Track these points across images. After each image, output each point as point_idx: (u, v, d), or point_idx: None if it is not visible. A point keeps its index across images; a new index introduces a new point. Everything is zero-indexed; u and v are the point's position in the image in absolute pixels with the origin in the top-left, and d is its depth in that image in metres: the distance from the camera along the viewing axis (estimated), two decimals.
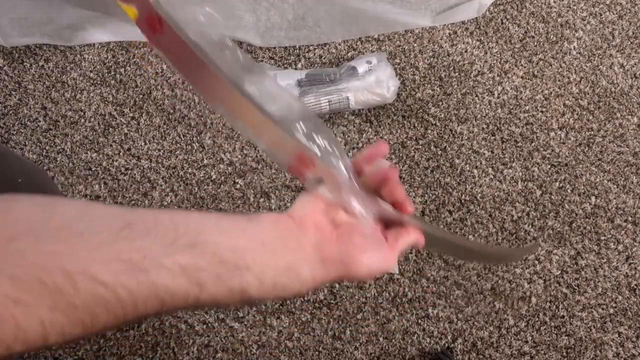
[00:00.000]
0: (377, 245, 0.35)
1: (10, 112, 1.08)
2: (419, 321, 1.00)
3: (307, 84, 1.00)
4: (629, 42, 1.08)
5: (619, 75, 1.07)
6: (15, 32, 1.04)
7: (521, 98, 1.06)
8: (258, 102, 0.33)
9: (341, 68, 1.02)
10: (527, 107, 1.06)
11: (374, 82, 0.99)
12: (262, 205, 1.04)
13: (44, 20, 1.02)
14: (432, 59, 1.08)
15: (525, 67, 1.07)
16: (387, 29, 1.08)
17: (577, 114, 1.06)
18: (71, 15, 1.02)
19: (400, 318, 1.00)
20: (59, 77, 1.09)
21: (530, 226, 1.02)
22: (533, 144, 1.05)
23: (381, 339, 0.99)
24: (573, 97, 1.06)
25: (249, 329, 0.99)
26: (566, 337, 0.99)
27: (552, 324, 0.99)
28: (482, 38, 1.09)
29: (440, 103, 1.06)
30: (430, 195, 1.03)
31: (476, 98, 1.06)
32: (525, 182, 1.03)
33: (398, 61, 1.08)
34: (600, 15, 1.09)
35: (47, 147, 1.07)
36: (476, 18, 1.09)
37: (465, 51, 1.08)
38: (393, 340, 0.99)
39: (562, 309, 1.00)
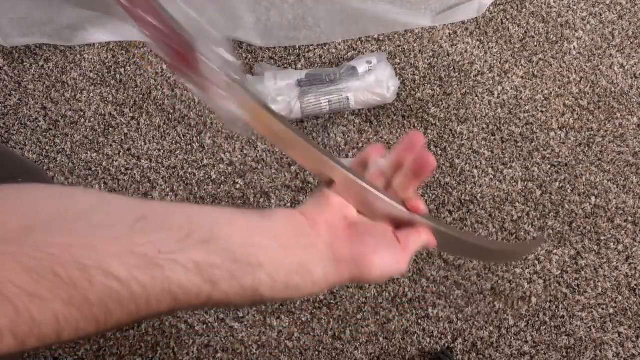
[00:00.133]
0: (390, 247, 0.34)
1: (10, 112, 1.08)
2: (419, 321, 1.00)
3: (307, 84, 1.00)
4: (629, 42, 1.08)
5: (619, 75, 1.07)
6: (15, 32, 1.04)
7: (521, 98, 1.06)
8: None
9: (341, 68, 1.02)
10: (527, 107, 1.06)
11: (374, 82, 0.99)
12: (262, 205, 1.04)
13: (44, 20, 1.02)
14: (432, 59, 1.08)
15: (525, 67, 1.07)
16: (387, 29, 1.08)
17: (577, 114, 1.06)
18: (71, 15, 1.02)
19: (400, 318, 1.00)
20: (59, 77, 1.09)
21: (530, 226, 1.02)
22: (533, 144, 1.05)
23: (381, 339, 0.99)
24: (573, 97, 1.06)
25: (249, 329, 0.99)
26: (566, 337, 0.99)
27: (552, 324, 0.99)
28: (482, 38, 1.09)
29: (440, 103, 1.06)
30: (430, 195, 1.03)
31: (476, 98, 1.06)
32: (525, 182, 1.03)
33: (398, 61, 1.08)
34: (600, 15, 1.09)
35: (47, 147, 1.07)
36: (476, 18, 1.09)
37: (465, 51, 1.08)
38: (393, 340, 0.99)
39: (562, 309, 1.00)
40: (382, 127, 1.05)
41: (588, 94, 1.06)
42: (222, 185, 1.05)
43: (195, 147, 1.06)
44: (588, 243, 1.02)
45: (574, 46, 1.08)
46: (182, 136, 1.06)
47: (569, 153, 1.04)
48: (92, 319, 0.24)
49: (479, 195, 1.03)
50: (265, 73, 1.01)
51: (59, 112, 1.08)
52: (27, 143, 1.07)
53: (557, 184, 1.03)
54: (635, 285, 1.00)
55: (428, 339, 0.99)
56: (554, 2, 1.10)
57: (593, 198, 1.03)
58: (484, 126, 1.05)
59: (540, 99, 1.06)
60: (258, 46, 1.08)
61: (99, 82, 1.09)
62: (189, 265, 0.27)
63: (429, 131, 1.05)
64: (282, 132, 0.33)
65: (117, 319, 0.25)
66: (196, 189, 1.05)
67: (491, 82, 1.07)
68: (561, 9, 1.09)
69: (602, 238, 1.02)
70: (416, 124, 1.06)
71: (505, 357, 0.99)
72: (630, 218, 1.02)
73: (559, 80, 1.07)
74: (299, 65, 1.08)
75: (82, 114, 1.08)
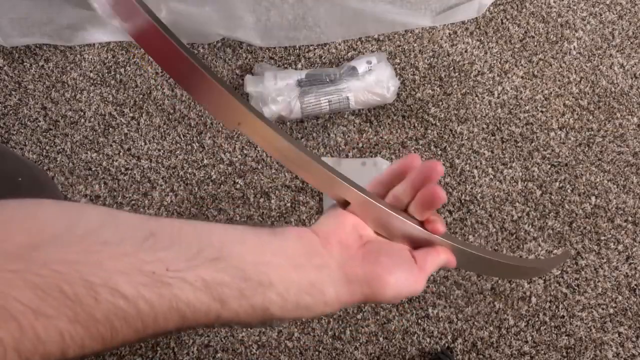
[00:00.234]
0: (405, 266, 0.33)
1: (10, 112, 1.08)
2: (419, 321, 1.00)
3: (307, 84, 1.00)
4: (629, 42, 1.08)
5: (619, 75, 1.07)
6: (15, 32, 1.04)
7: (521, 98, 1.06)
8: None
9: (341, 68, 1.02)
10: (527, 107, 1.06)
11: (374, 82, 0.99)
12: (262, 205, 1.04)
13: (44, 20, 1.02)
14: (432, 59, 1.08)
15: (525, 67, 1.07)
16: (387, 29, 1.08)
17: (577, 114, 1.06)
18: (71, 15, 1.02)
19: (400, 318, 1.00)
20: (59, 77, 1.09)
21: (530, 226, 1.02)
22: (533, 144, 1.05)
23: (381, 339, 0.99)
24: (573, 97, 1.06)
25: (248, 329, 0.99)
26: (566, 337, 0.99)
27: (552, 324, 0.99)
28: (482, 38, 1.09)
29: (440, 103, 1.06)
30: None
31: (476, 98, 1.06)
32: (525, 182, 1.03)
33: (398, 61, 1.08)
34: (600, 15, 1.09)
35: (47, 147, 1.07)
36: (476, 18, 1.09)
37: (465, 51, 1.08)
38: (393, 340, 0.99)
39: (562, 309, 1.00)
40: (382, 127, 1.05)
41: (588, 94, 1.06)
42: (222, 185, 1.05)
43: (195, 147, 1.06)
44: (588, 243, 1.02)
45: (574, 46, 1.08)
46: (182, 136, 1.06)
47: (569, 153, 1.04)
48: (97, 336, 0.24)
49: (479, 195, 1.03)
50: (265, 73, 1.01)
51: (59, 112, 1.08)
52: (27, 143, 1.07)
53: (557, 184, 1.03)
54: (635, 285, 1.00)
55: (428, 339, 0.99)
56: (554, 2, 1.10)
57: (593, 198, 1.03)
58: (484, 126, 1.05)
59: (540, 99, 1.06)
60: (258, 46, 1.08)
61: (99, 82, 1.09)
62: (198, 283, 0.26)
63: (429, 131, 1.05)
64: (294, 154, 0.33)
65: (123, 336, 0.25)
66: (196, 189, 1.04)
67: (491, 82, 1.07)
68: (561, 9, 1.09)
69: (602, 238, 1.02)
70: (416, 124, 1.06)
71: (505, 357, 0.99)
72: (630, 218, 1.02)
73: (559, 80, 1.07)
74: (299, 65, 1.08)
75: (82, 114, 1.08)
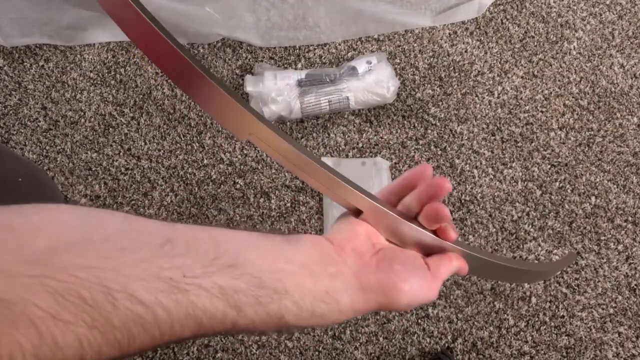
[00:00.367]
0: (419, 274, 0.33)
1: (10, 112, 1.08)
2: (419, 321, 1.00)
3: (307, 84, 1.00)
4: (629, 42, 1.08)
5: (619, 75, 1.07)
6: (15, 32, 1.04)
7: (521, 98, 1.06)
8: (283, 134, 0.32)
9: (341, 68, 1.02)
10: (527, 107, 1.06)
11: (374, 82, 0.99)
12: (262, 205, 1.04)
13: (44, 20, 1.02)
14: (432, 59, 1.08)
15: (525, 67, 1.07)
16: (387, 29, 1.08)
17: (577, 114, 1.06)
18: (71, 15, 1.02)
19: (400, 318, 1.00)
20: (59, 77, 1.09)
21: (530, 226, 1.02)
22: (533, 144, 1.05)
23: (381, 339, 0.99)
24: (573, 97, 1.06)
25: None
26: (566, 337, 0.99)
27: (552, 324, 0.99)
28: (482, 38, 1.09)
29: (440, 103, 1.06)
30: None
31: (476, 98, 1.06)
32: (525, 182, 1.03)
33: (398, 61, 1.08)
34: (600, 15, 1.09)
35: (47, 147, 1.07)
36: (476, 18, 1.09)
37: (465, 51, 1.08)
38: (393, 340, 0.99)
39: (562, 309, 1.00)
40: (382, 127, 1.05)
41: (588, 94, 1.06)
42: (222, 185, 1.05)
43: (195, 147, 1.06)
44: (588, 243, 1.02)
45: (574, 46, 1.08)
46: (182, 136, 1.06)
47: (569, 153, 1.04)
48: (115, 343, 0.24)
49: (479, 195, 1.03)
50: (265, 73, 1.01)
51: (59, 112, 1.08)
52: (27, 143, 1.07)
53: (557, 184, 1.03)
54: (635, 285, 1.00)
55: (428, 339, 0.99)
56: (554, 2, 1.10)
57: (593, 198, 1.03)
58: (484, 126, 1.05)
59: (540, 99, 1.06)
60: (258, 46, 1.08)
61: (99, 82, 1.09)
62: (214, 290, 0.26)
63: (429, 131, 1.05)
64: (305, 164, 0.33)
65: (140, 343, 0.25)
66: (196, 189, 1.05)
67: (491, 82, 1.07)
68: (561, 9, 1.09)
69: (602, 238, 1.02)
70: (416, 124, 1.06)
71: (505, 357, 0.99)
72: (630, 218, 1.02)
73: (559, 80, 1.07)
74: (299, 65, 1.08)
75: (82, 114, 1.08)
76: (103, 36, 1.08)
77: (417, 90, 1.07)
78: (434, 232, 0.35)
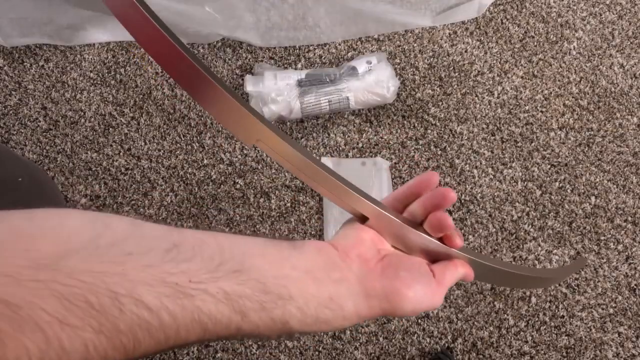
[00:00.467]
0: (424, 280, 0.33)
1: (10, 112, 1.08)
2: (419, 321, 1.00)
3: (307, 84, 1.00)
4: (629, 42, 1.08)
5: (619, 75, 1.07)
6: (15, 32, 1.05)
7: (521, 98, 1.06)
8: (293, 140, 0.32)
9: (341, 68, 1.02)
10: (527, 107, 1.06)
11: (374, 82, 0.99)
12: (262, 205, 1.04)
13: (44, 20, 1.02)
14: (432, 59, 1.08)
15: (525, 67, 1.07)
16: (387, 29, 1.08)
17: (577, 114, 1.06)
18: (71, 15, 1.02)
19: (400, 318, 1.00)
20: (59, 77, 1.09)
21: (530, 226, 1.02)
22: (533, 144, 1.05)
23: (381, 339, 0.99)
24: (573, 97, 1.06)
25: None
26: (566, 337, 0.99)
27: (552, 324, 0.99)
28: (482, 38, 1.09)
29: (440, 103, 1.06)
30: None
31: (476, 98, 1.06)
32: (525, 182, 1.03)
33: (398, 61, 1.08)
34: (600, 15, 1.09)
35: (47, 147, 1.07)
36: (476, 18, 1.09)
37: (465, 51, 1.08)
38: (393, 340, 0.99)
39: (562, 309, 1.00)
40: (382, 127, 1.05)
41: (588, 94, 1.06)
42: (222, 185, 1.05)
43: (195, 147, 1.06)
44: (588, 243, 1.02)
45: (573, 46, 1.08)
46: (182, 136, 1.06)
47: (568, 153, 1.04)
48: (120, 347, 0.24)
49: (479, 195, 1.03)
50: (265, 73, 1.01)
51: (59, 112, 1.08)
52: (27, 143, 1.07)
53: (557, 184, 1.03)
54: (635, 285, 1.00)
55: (428, 339, 0.99)
56: (554, 2, 1.10)
57: (593, 198, 1.03)
58: (484, 126, 1.05)
59: (540, 99, 1.06)
60: (258, 46, 1.08)
61: (99, 82, 1.09)
62: (219, 295, 0.27)
63: (429, 131, 1.05)
64: (312, 170, 0.33)
65: (145, 347, 0.25)
66: (196, 189, 1.05)
67: (491, 82, 1.07)
68: (561, 9, 1.09)
69: (602, 238, 1.02)
70: (416, 124, 1.06)
71: (505, 357, 0.99)
72: (630, 218, 1.02)
73: (558, 80, 1.07)
74: (299, 65, 1.08)
75: (82, 114, 1.08)
76: (103, 36, 1.08)
77: (417, 90, 1.07)
78: (440, 239, 0.35)
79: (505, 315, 0.99)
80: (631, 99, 1.06)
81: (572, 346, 0.99)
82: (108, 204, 1.05)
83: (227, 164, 1.05)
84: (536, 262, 1.01)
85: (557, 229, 1.02)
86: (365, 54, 1.06)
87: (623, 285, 1.00)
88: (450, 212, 1.03)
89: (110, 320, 0.23)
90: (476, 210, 1.03)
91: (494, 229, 1.02)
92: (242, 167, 1.05)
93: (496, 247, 1.02)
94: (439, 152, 1.05)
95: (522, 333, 0.99)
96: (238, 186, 1.04)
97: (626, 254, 1.01)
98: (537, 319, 0.99)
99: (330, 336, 0.99)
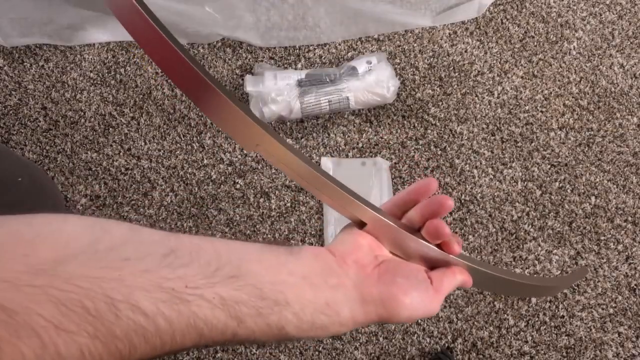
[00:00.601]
0: (421, 287, 0.33)
1: (10, 112, 1.08)
2: (419, 321, 1.00)
3: (307, 84, 1.00)
4: (629, 42, 1.08)
5: (619, 75, 1.07)
6: (15, 32, 1.05)
7: (521, 98, 1.06)
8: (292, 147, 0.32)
9: (341, 68, 1.02)
10: (527, 107, 1.06)
11: (374, 82, 0.99)
12: (262, 205, 1.04)
13: (44, 20, 1.02)
14: (432, 59, 1.08)
15: (525, 67, 1.07)
16: (387, 29, 1.08)
17: (577, 114, 1.06)
18: (71, 15, 1.02)
19: None
20: (59, 77, 1.09)
21: (530, 226, 1.02)
22: (533, 144, 1.05)
23: (381, 339, 0.99)
24: (573, 97, 1.06)
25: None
26: (566, 337, 0.99)
27: (552, 324, 0.99)
28: (482, 38, 1.09)
29: (440, 103, 1.06)
30: None
31: (476, 98, 1.06)
32: (525, 182, 1.03)
33: (398, 61, 1.08)
34: (600, 15, 1.09)
35: (47, 147, 1.07)
36: (476, 18, 1.09)
37: (465, 51, 1.08)
38: (393, 340, 0.99)
39: (562, 309, 1.00)
40: (382, 127, 1.05)
41: (588, 94, 1.06)
42: (222, 185, 1.05)
43: (195, 147, 1.06)
44: (588, 243, 1.02)
45: (574, 46, 1.08)
46: (182, 136, 1.06)
47: (569, 153, 1.04)
48: (116, 352, 0.24)
49: (479, 195, 1.03)
50: (265, 73, 1.01)
51: (59, 112, 1.08)
52: (27, 143, 1.07)
53: (557, 184, 1.03)
54: (635, 285, 1.00)
55: (428, 339, 0.99)
56: (554, 2, 1.10)
57: (593, 198, 1.03)
58: (484, 126, 1.05)
59: (540, 99, 1.06)
60: (258, 46, 1.08)
61: (99, 82, 1.09)
62: (215, 300, 0.27)
63: (429, 131, 1.05)
64: (311, 175, 0.33)
65: (141, 353, 0.25)
66: (196, 189, 1.05)
67: (491, 82, 1.07)
68: (561, 9, 1.09)
69: (602, 238, 1.02)
70: (416, 124, 1.06)
71: (505, 357, 0.99)
72: (630, 218, 1.02)
73: (558, 80, 1.07)
74: (299, 65, 1.08)
75: (82, 114, 1.08)
76: (103, 36, 1.08)
77: (417, 90, 1.07)
78: (438, 245, 0.35)
79: (505, 315, 0.99)
80: (631, 99, 1.06)
81: (572, 346, 0.99)
82: (108, 204, 1.05)
83: (227, 164, 1.05)
84: (536, 262, 1.01)
85: (557, 229, 1.02)
86: (365, 54, 1.06)
87: (623, 285, 1.00)
88: (450, 212, 1.03)
89: (106, 325, 0.23)
90: (476, 210, 1.03)
91: (494, 229, 1.02)
92: (242, 167, 1.05)
93: (496, 247, 1.02)
94: (439, 152, 1.05)
95: (522, 333, 0.99)
96: (238, 186, 1.04)
97: (626, 254, 1.01)
98: (537, 319, 0.99)
99: (330, 336, 0.99)
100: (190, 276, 0.26)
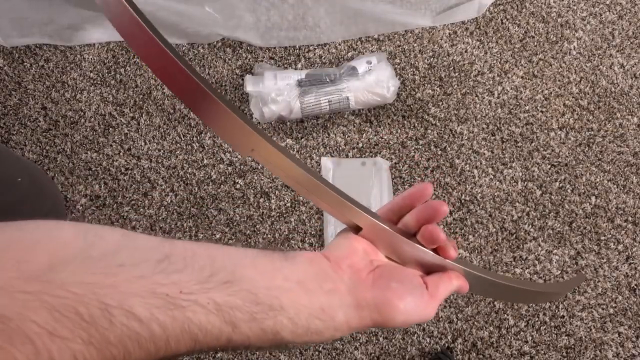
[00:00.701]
0: (416, 292, 0.33)
1: (10, 112, 1.08)
2: None
3: (307, 84, 1.00)
4: (629, 42, 1.08)
5: (619, 75, 1.07)
6: (15, 32, 1.05)
7: (521, 98, 1.06)
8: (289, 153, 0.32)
9: (341, 68, 1.02)
10: (527, 107, 1.06)
11: (374, 82, 0.99)
12: (262, 205, 1.04)
13: (44, 20, 1.02)
14: (432, 59, 1.08)
15: (525, 67, 1.07)
16: (387, 29, 1.08)
17: (577, 114, 1.06)
18: (71, 15, 1.02)
19: None
20: (59, 77, 1.09)
21: (530, 226, 1.02)
22: (533, 144, 1.05)
23: (381, 339, 0.99)
24: (573, 97, 1.06)
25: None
26: (566, 337, 0.99)
27: (552, 324, 0.99)
28: (482, 38, 1.09)
29: (440, 103, 1.06)
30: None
31: (476, 98, 1.06)
32: (525, 182, 1.03)
33: (398, 61, 1.08)
34: (600, 15, 1.09)
35: (47, 147, 1.07)
36: (476, 18, 1.09)
37: (465, 51, 1.08)
38: (393, 340, 0.99)
39: (562, 309, 1.00)
40: (382, 127, 1.05)
41: (588, 94, 1.06)
42: (222, 185, 1.05)
43: (195, 147, 1.06)
44: (588, 243, 1.02)
45: (574, 46, 1.08)
46: (182, 136, 1.06)
47: (569, 153, 1.04)
48: (110, 358, 0.24)
49: (479, 195, 1.03)
50: (265, 73, 1.01)
51: (59, 112, 1.08)
52: (27, 143, 1.07)
53: (557, 184, 1.03)
54: (635, 285, 1.00)
55: (428, 339, 0.99)
56: (554, 2, 1.10)
57: (593, 198, 1.03)
58: (484, 126, 1.05)
59: (540, 99, 1.06)
60: (258, 46, 1.08)
61: (99, 82, 1.09)
62: (210, 306, 0.27)
63: (429, 131, 1.05)
64: (306, 180, 0.33)
65: (135, 359, 0.25)
66: (196, 189, 1.05)
67: (491, 82, 1.07)
68: (561, 9, 1.09)
69: (602, 238, 1.02)
70: (416, 124, 1.06)
71: (505, 357, 0.99)
72: (630, 218, 1.02)
73: (559, 80, 1.07)
74: (299, 65, 1.08)
75: (82, 114, 1.08)
76: (103, 36, 1.08)
77: (417, 90, 1.07)
78: (434, 250, 0.35)
79: (505, 315, 0.99)
80: (631, 99, 1.06)
81: (572, 346, 0.99)
82: (108, 204, 1.05)
83: (227, 164, 1.05)
84: (536, 262, 1.01)
85: (557, 229, 1.02)
86: (365, 54, 1.06)
87: (623, 285, 1.00)
88: (450, 212, 1.03)
89: (100, 331, 0.23)
90: (476, 210, 1.03)
91: (494, 229, 1.02)
92: (242, 167, 1.05)
93: (496, 247, 1.02)
94: (439, 152, 1.05)
95: (522, 333, 0.99)
96: (238, 186, 1.04)
97: (626, 254, 1.01)
98: (537, 319, 0.99)
99: None
100: (185, 282, 0.26)
